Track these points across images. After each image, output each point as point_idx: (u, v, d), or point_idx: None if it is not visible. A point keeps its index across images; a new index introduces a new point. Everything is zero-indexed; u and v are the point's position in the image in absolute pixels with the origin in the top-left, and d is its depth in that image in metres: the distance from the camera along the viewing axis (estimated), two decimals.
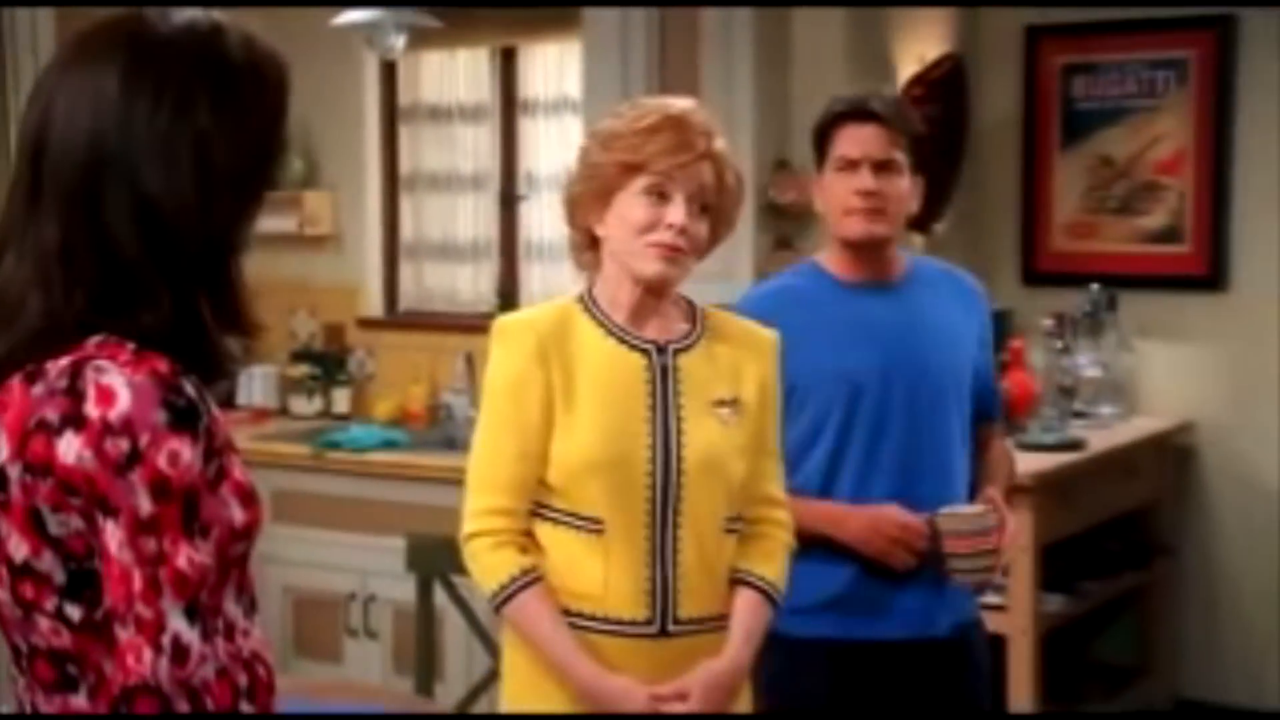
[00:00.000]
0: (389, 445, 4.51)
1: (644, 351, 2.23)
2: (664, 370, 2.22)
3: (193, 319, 1.38)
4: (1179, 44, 4.59)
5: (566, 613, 2.18)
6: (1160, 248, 4.67)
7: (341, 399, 5.08)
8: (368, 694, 2.94)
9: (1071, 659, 4.34)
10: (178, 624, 1.30)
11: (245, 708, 1.36)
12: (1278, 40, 4.47)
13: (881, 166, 2.58)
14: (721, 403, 2.23)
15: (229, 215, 1.41)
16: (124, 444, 1.29)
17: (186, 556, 1.31)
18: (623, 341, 2.23)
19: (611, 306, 2.24)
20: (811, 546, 2.46)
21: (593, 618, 2.18)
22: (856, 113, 2.61)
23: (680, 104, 2.25)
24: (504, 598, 2.17)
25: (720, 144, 2.23)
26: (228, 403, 5.07)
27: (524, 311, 2.30)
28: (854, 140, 2.59)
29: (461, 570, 2.30)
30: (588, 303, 2.25)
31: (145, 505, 1.30)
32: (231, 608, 1.38)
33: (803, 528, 2.48)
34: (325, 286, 5.21)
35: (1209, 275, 4.60)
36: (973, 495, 2.69)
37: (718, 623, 2.22)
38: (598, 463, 2.17)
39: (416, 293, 5.21)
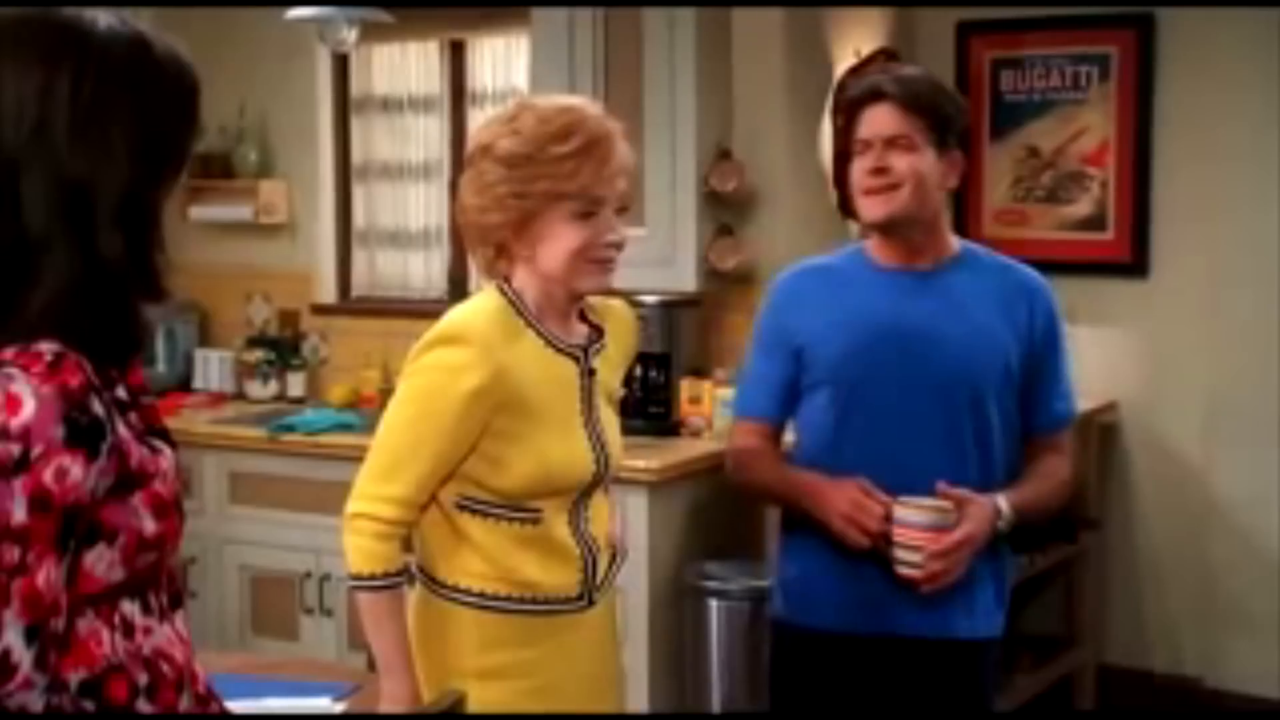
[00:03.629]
0: (342, 428, 4.49)
1: (574, 358, 2.24)
2: (590, 374, 2.25)
3: (107, 292, 1.37)
4: (1102, 40, 4.67)
5: (504, 599, 2.19)
6: (1085, 235, 4.75)
7: (296, 383, 5.10)
8: (320, 670, 3.01)
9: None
10: (13, 639, 1.26)
11: (144, 706, 1.36)
12: (1194, 37, 4.57)
13: (891, 143, 2.47)
14: (611, 397, 2.31)
15: (149, 194, 1.42)
16: (15, 449, 1.27)
17: (46, 575, 1.28)
18: (558, 350, 2.22)
19: (540, 312, 2.20)
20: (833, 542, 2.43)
21: (533, 601, 2.20)
22: (869, 95, 2.52)
23: (585, 109, 2.17)
24: (372, 586, 2.13)
25: (624, 140, 2.17)
26: (184, 386, 5.17)
27: (475, 316, 2.17)
28: (866, 122, 2.51)
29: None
30: (519, 306, 2.19)
31: (19, 514, 1.27)
32: (127, 606, 1.38)
33: (784, 499, 2.56)
34: (280, 273, 5.24)
35: (1132, 261, 4.68)
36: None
37: (610, 581, 2.31)
38: (555, 474, 2.18)
39: (369, 279, 5.24)
